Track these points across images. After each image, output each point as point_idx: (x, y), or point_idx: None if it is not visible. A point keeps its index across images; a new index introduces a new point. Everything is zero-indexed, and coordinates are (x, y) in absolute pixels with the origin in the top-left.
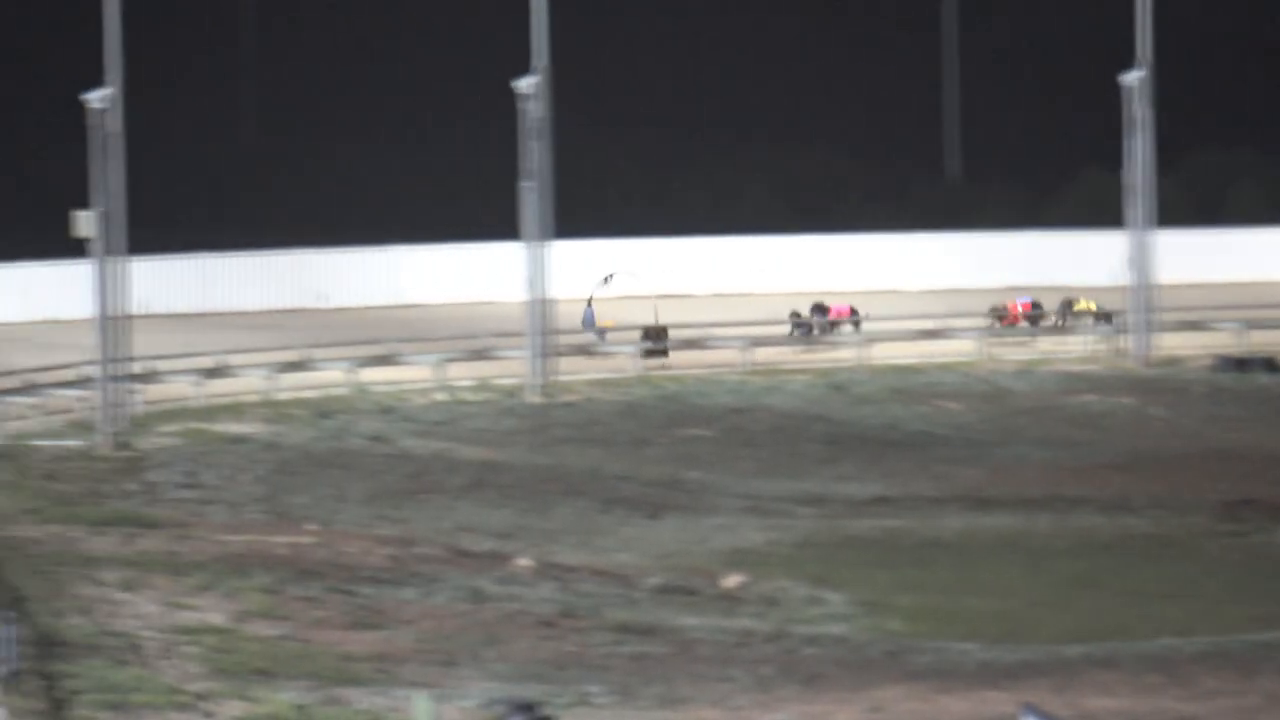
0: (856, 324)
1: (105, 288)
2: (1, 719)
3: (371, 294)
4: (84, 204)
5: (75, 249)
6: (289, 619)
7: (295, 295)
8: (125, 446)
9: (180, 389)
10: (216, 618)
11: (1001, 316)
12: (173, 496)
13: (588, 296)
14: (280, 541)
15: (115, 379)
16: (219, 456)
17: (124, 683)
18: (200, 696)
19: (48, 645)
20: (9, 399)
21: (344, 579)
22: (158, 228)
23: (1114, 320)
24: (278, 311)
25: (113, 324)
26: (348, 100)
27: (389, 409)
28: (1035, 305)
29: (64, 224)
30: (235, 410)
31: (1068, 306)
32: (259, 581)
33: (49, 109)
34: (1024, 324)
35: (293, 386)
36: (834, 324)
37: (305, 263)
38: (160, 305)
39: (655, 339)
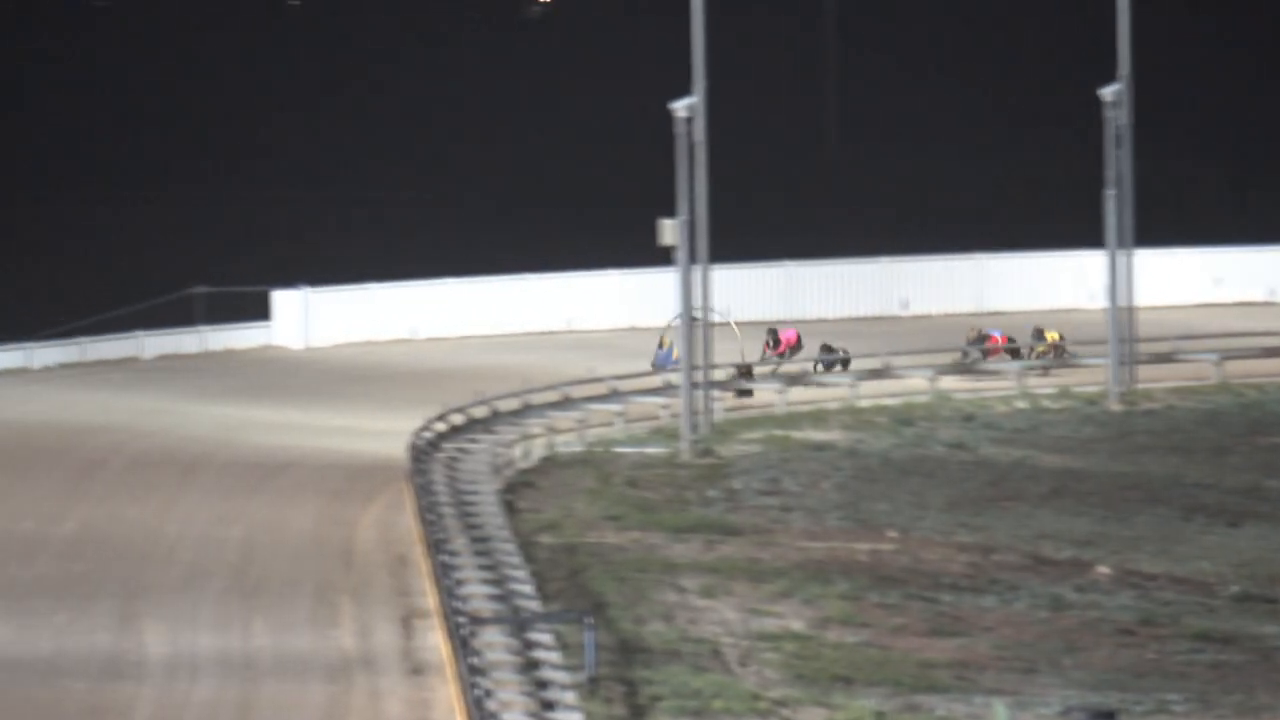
0: (835, 363)
1: (688, 295)
2: None
3: (953, 302)
4: (669, 212)
5: (660, 257)
6: (869, 626)
7: (877, 303)
8: (708, 453)
9: (763, 396)
10: (796, 624)
11: (984, 350)
12: (754, 503)
13: (660, 336)
14: (861, 548)
15: (698, 386)
16: (800, 463)
17: (704, 689)
18: (779, 703)
19: (628, 651)
20: (594, 405)
21: (924, 586)
22: (740, 236)
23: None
24: (858, 319)
25: (690, 330)
26: (930, 105)
27: (970, 416)
28: (1010, 339)
29: (650, 232)
30: (817, 417)
31: (1038, 337)
32: (839, 588)
33: (636, 118)
34: (1003, 356)
35: (874, 394)
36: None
37: (888, 271)
38: (742, 313)
39: (743, 378)
